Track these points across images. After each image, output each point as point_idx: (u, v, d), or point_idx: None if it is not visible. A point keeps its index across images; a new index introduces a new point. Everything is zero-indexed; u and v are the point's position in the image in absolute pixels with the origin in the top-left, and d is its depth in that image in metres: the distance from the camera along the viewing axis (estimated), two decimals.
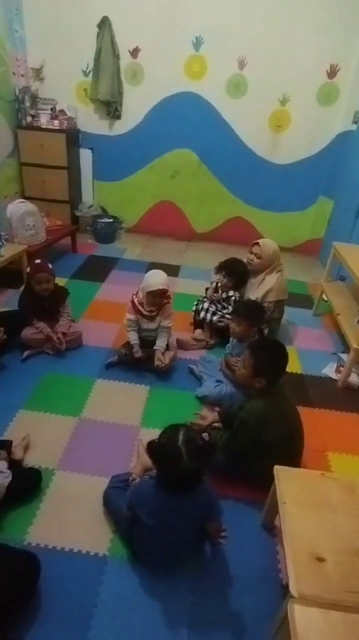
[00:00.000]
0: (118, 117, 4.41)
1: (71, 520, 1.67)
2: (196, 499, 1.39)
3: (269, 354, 1.74)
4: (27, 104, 4.15)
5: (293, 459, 1.77)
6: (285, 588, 1.51)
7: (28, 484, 1.72)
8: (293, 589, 1.14)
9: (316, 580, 1.17)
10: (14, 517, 1.65)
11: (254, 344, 1.83)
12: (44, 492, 1.76)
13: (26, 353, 2.57)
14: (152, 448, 1.32)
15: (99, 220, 4.53)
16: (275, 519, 1.72)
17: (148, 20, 3.97)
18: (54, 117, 4.20)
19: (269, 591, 1.52)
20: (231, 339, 2.44)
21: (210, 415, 2.05)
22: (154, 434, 2.10)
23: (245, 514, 1.76)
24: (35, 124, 4.17)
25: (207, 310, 2.89)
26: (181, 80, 4.19)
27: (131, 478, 1.69)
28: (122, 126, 4.48)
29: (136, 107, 4.36)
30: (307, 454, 1.90)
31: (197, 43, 4.02)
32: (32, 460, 1.89)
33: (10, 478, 1.61)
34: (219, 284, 2.93)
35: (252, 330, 2.29)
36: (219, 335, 2.88)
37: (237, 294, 2.89)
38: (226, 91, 4.21)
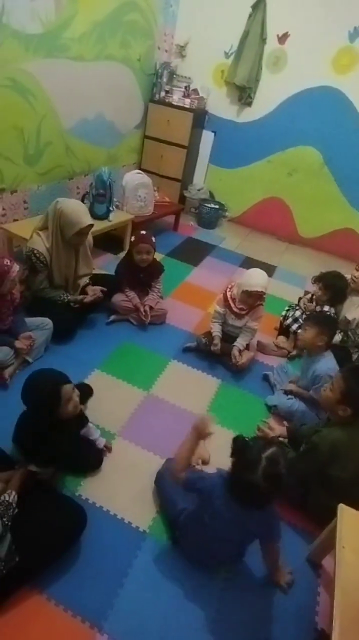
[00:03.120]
0: (249, 104, 4.29)
1: (120, 487, 1.72)
2: (258, 517, 1.33)
3: None
4: (164, 80, 4.22)
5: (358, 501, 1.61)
6: (319, 634, 1.41)
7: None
8: None
9: None
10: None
11: (349, 369, 1.67)
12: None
13: (112, 317, 2.68)
14: (239, 441, 1.29)
15: (205, 205, 4.51)
16: (323, 558, 1.60)
17: (306, 4, 3.75)
18: (186, 96, 4.21)
19: (299, 629, 1.43)
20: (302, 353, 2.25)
21: (277, 428, 1.95)
22: (215, 429, 2.08)
23: (292, 541, 1.65)
24: (166, 100, 4.23)
25: (296, 320, 2.74)
26: (324, 72, 3.92)
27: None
28: (250, 114, 4.36)
29: (270, 96, 4.19)
30: None
31: (354, 34, 3.70)
32: (97, 419, 1.94)
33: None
34: (315, 296, 2.75)
35: (320, 339, 2.08)
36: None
37: (332, 310, 2.68)
38: None
